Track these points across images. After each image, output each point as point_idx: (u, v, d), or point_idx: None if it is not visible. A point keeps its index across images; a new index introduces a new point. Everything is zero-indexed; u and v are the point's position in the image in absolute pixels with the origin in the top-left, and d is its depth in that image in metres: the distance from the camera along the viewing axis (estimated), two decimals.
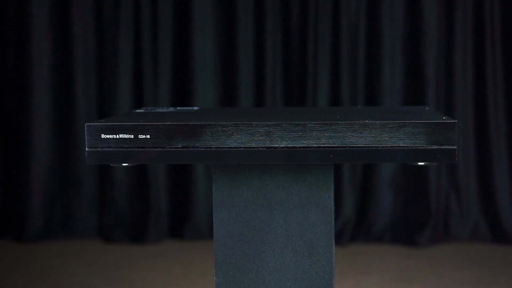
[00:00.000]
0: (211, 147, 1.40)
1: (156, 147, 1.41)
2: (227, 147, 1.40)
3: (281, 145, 1.40)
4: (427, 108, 1.68)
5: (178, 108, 1.77)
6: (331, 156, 1.39)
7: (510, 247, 3.66)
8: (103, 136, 1.42)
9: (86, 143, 1.42)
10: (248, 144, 1.40)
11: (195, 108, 1.78)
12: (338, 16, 3.71)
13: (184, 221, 3.84)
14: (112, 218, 3.82)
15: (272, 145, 1.40)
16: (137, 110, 1.71)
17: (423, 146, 1.38)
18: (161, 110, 1.72)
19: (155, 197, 3.79)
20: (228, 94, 3.80)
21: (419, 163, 1.39)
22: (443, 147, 1.38)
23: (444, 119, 1.38)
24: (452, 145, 1.37)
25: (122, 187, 3.81)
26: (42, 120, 3.79)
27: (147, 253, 3.64)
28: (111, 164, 1.44)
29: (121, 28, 3.75)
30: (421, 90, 3.71)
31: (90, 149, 1.43)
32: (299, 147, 1.39)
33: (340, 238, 3.69)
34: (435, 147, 1.38)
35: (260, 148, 1.40)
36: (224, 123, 1.40)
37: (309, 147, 1.39)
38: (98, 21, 3.79)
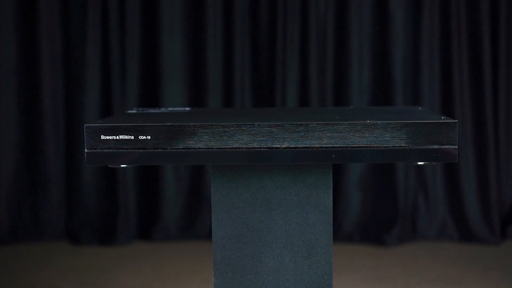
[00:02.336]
0: (212, 148, 1.40)
1: (157, 148, 1.40)
2: (229, 148, 1.40)
3: (283, 146, 1.40)
4: (419, 108, 1.69)
5: (170, 108, 1.76)
6: (333, 156, 1.39)
7: (477, 246, 3.71)
8: (102, 137, 1.41)
9: (85, 144, 1.41)
10: (250, 144, 1.40)
11: (187, 108, 1.77)
12: (307, 16, 3.72)
13: (153, 222, 3.82)
14: (81, 219, 3.79)
15: (274, 146, 1.40)
16: (129, 111, 1.70)
17: (424, 146, 1.39)
18: (153, 110, 1.71)
19: (123, 198, 3.76)
20: (196, 94, 3.79)
21: (420, 163, 1.40)
22: (444, 146, 1.39)
23: (445, 119, 1.39)
24: (453, 145, 1.39)
25: (90, 189, 3.78)
26: (8, 122, 3.74)
27: (117, 255, 3.61)
28: (109, 165, 1.43)
29: (88, 28, 3.71)
30: (388, 90, 3.74)
31: (90, 151, 1.41)
32: (301, 148, 1.39)
33: None
34: (436, 146, 1.39)
35: (262, 149, 1.40)
36: (226, 123, 1.39)
37: (311, 147, 1.39)
38: (65, 21, 3.75)
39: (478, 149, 3.76)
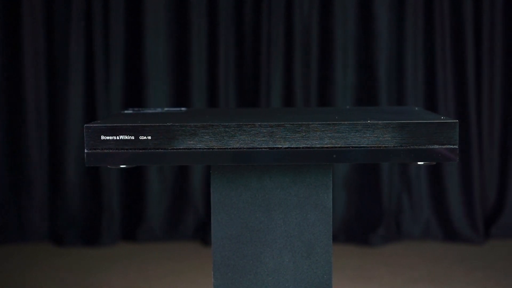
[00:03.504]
0: (213, 148, 1.39)
1: (158, 149, 1.40)
2: (230, 148, 1.40)
3: (284, 146, 1.40)
4: (416, 109, 1.70)
5: (166, 109, 1.75)
6: (334, 156, 1.39)
7: (461, 245, 3.73)
8: (102, 137, 1.40)
9: (85, 144, 1.40)
10: (251, 144, 1.39)
11: (183, 108, 1.76)
12: (291, 16, 3.72)
13: (137, 223, 3.80)
14: (64, 221, 3.76)
15: (275, 146, 1.40)
16: (125, 111, 1.69)
17: (425, 146, 1.39)
18: (149, 111, 1.70)
19: (107, 199, 3.74)
20: (181, 95, 3.78)
21: (421, 163, 1.40)
22: (444, 146, 1.39)
23: (445, 119, 1.39)
24: (454, 145, 1.39)
25: (74, 189, 3.75)
26: None
27: (101, 256, 3.59)
28: (108, 166, 1.42)
29: (72, 28, 3.68)
30: (373, 89, 3.74)
31: (90, 151, 1.40)
32: (302, 148, 1.39)
33: None
34: (436, 146, 1.39)
35: (263, 149, 1.40)
36: (227, 123, 1.39)
37: (312, 147, 1.40)
38: (48, 21, 3.73)
39: (461, 149, 3.78)
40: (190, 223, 3.80)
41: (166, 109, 1.75)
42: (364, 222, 3.78)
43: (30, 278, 3.26)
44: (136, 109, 1.74)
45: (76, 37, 3.69)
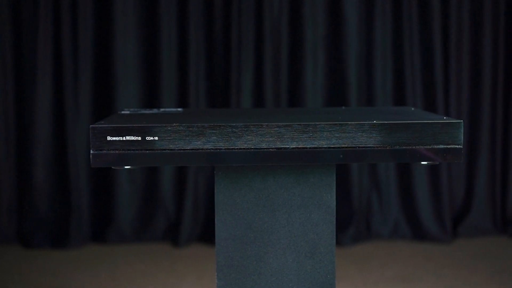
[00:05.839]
0: (220, 149, 1.39)
1: (164, 149, 1.39)
2: (237, 148, 1.39)
3: (292, 146, 1.40)
4: (412, 109, 1.71)
5: (162, 109, 1.74)
6: (341, 156, 1.40)
7: (430, 244, 3.77)
8: (109, 138, 1.39)
9: (91, 145, 1.38)
10: (259, 145, 1.39)
11: (179, 109, 1.75)
12: (261, 17, 3.72)
13: (106, 224, 3.77)
14: (32, 222, 3.71)
15: (282, 146, 1.40)
16: (122, 112, 1.67)
17: (430, 146, 1.41)
18: (145, 111, 1.69)
19: (76, 200, 3.70)
20: (151, 96, 3.75)
21: (426, 162, 1.42)
22: (449, 146, 1.41)
23: (450, 119, 1.41)
24: (458, 144, 1.41)
25: (42, 191, 3.71)
26: None
27: (70, 258, 3.56)
28: (112, 167, 1.40)
29: (40, 28, 3.64)
30: (342, 91, 3.77)
31: (95, 152, 1.39)
32: (310, 148, 1.40)
33: None
34: (441, 146, 1.41)
35: (270, 149, 1.40)
36: (234, 124, 1.39)
37: (320, 147, 1.40)
38: (15, 21, 3.67)
39: None
40: (160, 224, 3.78)
41: (162, 109, 1.74)
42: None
43: None
44: (132, 109, 1.73)
45: (43, 38, 3.64)
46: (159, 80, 3.73)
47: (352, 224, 3.77)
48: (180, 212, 3.73)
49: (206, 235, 3.73)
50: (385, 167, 3.83)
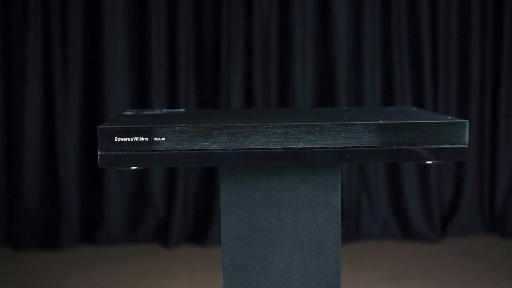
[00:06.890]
0: (228, 149, 1.39)
1: (172, 150, 1.39)
2: (244, 149, 1.40)
3: (299, 146, 1.40)
4: (414, 109, 1.72)
5: (165, 110, 1.74)
6: (348, 156, 1.41)
7: (418, 243, 3.78)
8: (116, 139, 1.39)
9: (98, 146, 1.38)
10: (266, 145, 1.40)
11: (181, 110, 1.75)
12: (251, 18, 3.72)
13: (96, 226, 3.76)
14: (22, 224, 3.69)
15: (289, 146, 1.40)
16: (126, 113, 1.67)
17: (436, 146, 1.42)
18: (149, 112, 1.69)
19: (66, 201, 3.69)
20: (140, 98, 3.74)
21: (431, 162, 1.43)
22: (455, 146, 1.42)
23: (455, 119, 1.42)
24: (464, 144, 1.42)
25: (32, 192, 3.69)
26: None
27: (60, 260, 3.54)
28: (119, 168, 1.40)
29: (30, 29, 3.62)
30: (332, 91, 3.77)
31: (103, 153, 1.39)
32: (316, 148, 1.40)
33: None
34: (447, 146, 1.42)
35: (277, 149, 1.40)
36: (242, 124, 1.39)
37: (326, 147, 1.41)
38: (4, 20, 3.66)
39: None
40: (150, 225, 3.77)
41: (165, 110, 1.74)
42: None
43: None
44: (135, 110, 1.73)
45: (33, 39, 3.63)
46: (148, 80, 3.72)
47: (342, 224, 3.77)
48: (170, 213, 3.72)
49: (196, 236, 3.73)
50: (374, 167, 3.85)
